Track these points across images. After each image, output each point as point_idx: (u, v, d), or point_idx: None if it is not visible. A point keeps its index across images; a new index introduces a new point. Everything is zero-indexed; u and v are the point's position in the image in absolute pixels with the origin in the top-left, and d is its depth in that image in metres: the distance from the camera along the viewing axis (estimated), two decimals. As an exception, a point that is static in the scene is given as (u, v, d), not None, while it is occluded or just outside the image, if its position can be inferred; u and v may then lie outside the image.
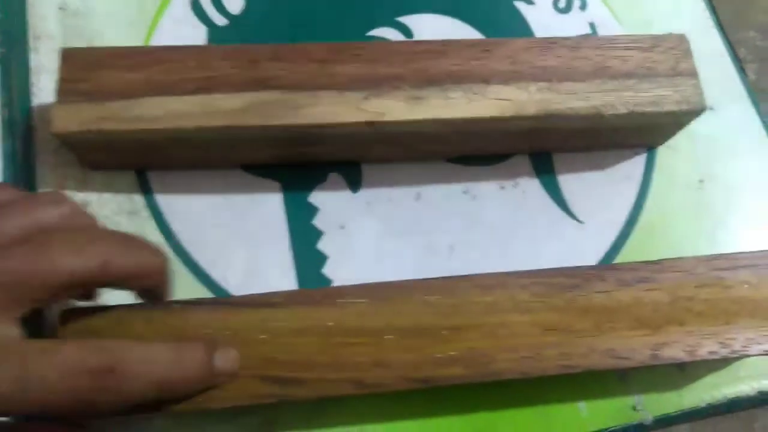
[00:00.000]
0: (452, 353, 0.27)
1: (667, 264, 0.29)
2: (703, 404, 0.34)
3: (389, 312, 0.27)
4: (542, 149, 0.38)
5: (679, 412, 0.34)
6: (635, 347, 0.28)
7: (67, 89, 0.31)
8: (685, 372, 0.34)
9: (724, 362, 0.34)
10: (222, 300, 0.29)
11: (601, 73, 0.34)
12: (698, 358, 0.28)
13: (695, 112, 0.35)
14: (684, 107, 0.34)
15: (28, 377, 0.19)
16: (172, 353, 0.23)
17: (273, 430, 0.31)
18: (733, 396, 0.34)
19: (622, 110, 0.33)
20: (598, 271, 0.29)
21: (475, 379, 0.27)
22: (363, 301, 0.28)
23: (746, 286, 0.29)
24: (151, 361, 0.22)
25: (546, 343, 0.27)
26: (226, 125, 0.31)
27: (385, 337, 0.27)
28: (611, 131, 0.36)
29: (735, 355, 0.28)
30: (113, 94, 0.31)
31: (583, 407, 0.33)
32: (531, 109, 0.33)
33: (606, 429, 0.33)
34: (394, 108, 0.32)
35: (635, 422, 0.33)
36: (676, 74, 0.34)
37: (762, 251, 0.30)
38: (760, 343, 0.28)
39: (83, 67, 0.31)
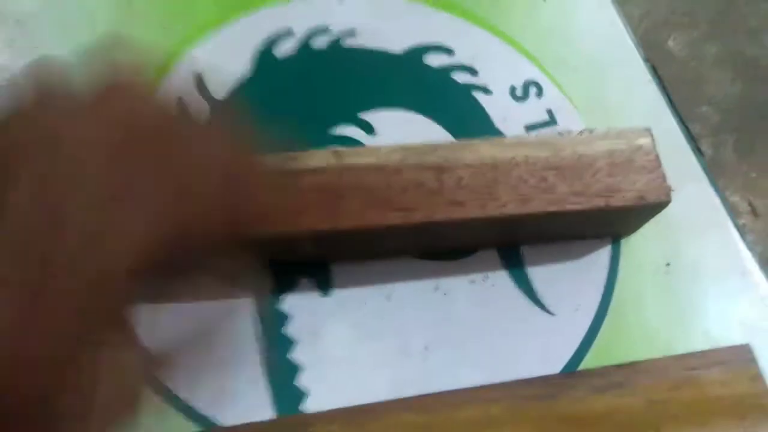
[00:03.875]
0: None
1: (639, 367, 0.29)
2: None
3: None
4: (509, 243, 0.39)
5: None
6: None
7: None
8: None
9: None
10: None
11: (564, 170, 0.35)
12: None
13: (661, 204, 0.35)
14: (650, 200, 0.35)
15: None
16: None
17: None
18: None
19: (588, 206, 0.34)
20: (569, 380, 0.29)
21: None
22: (334, 427, 0.27)
23: (719, 384, 0.29)
24: None
25: None
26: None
27: None
28: (578, 225, 0.36)
29: None
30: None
31: None
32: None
33: None
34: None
35: None
36: (642, 168, 0.35)
37: (731, 347, 0.30)
38: None
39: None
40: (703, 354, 0.30)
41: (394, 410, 0.28)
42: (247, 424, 0.28)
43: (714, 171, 0.43)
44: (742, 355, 0.30)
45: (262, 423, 0.28)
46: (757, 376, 0.30)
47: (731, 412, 0.29)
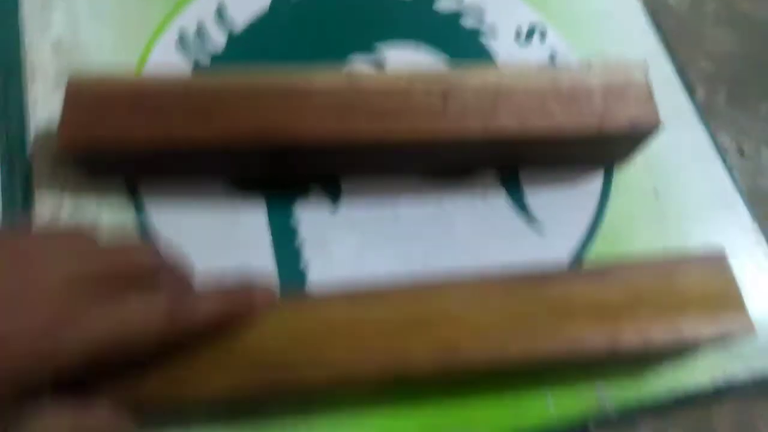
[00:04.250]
0: (424, 344, 0.29)
1: (622, 263, 0.32)
2: (662, 397, 0.36)
3: (365, 312, 0.30)
4: (509, 165, 0.41)
5: (639, 406, 0.36)
6: (593, 336, 0.30)
7: (73, 109, 0.34)
8: (644, 367, 0.36)
9: (679, 357, 0.36)
10: None
11: (562, 95, 0.37)
12: (651, 346, 0.30)
13: (651, 131, 0.38)
14: (641, 125, 0.37)
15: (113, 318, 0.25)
16: (222, 296, 0.29)
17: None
18: (691, 389, 0.37)
19: (583, 128, 0.36)
20: (558, 270, 0.32)
21: (445, 368, 0.29)
22: (342, 303, 0.30)
23: (694, 283, 0.32)
24: (210, 300, 0.28)
25: (510, 333, 0.30)
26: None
27: (363, 330, 0.29)
28: (573, 149, 0.39)
29: (683, 345, 0.30)
30: (115, 115, 0.34)
31: (550, 401, 0.35)
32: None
33: (572, 421, 0.35)
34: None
35: (600, 414, 0.35)
36: (635, 96, 0.38)
37: (709, 253, 0.33)
38: (705, 333, 0.31)
39: (87, 92, 0.34)
40: (682, 256, 0.33)
41: (394, 287, 0.31)
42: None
43: (706, 114, 0.46)
44: (719, 260, 0.33)
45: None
46: (730, 279, 0.32)
47: (703, 308, 0.31)
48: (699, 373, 0.37)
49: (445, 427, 0.34)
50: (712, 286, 0.32)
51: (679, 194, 0.42)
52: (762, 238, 0.41)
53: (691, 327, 0.31)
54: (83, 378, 0.25)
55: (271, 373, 0.28)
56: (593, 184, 0.42)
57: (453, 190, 0.40)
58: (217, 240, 0.38)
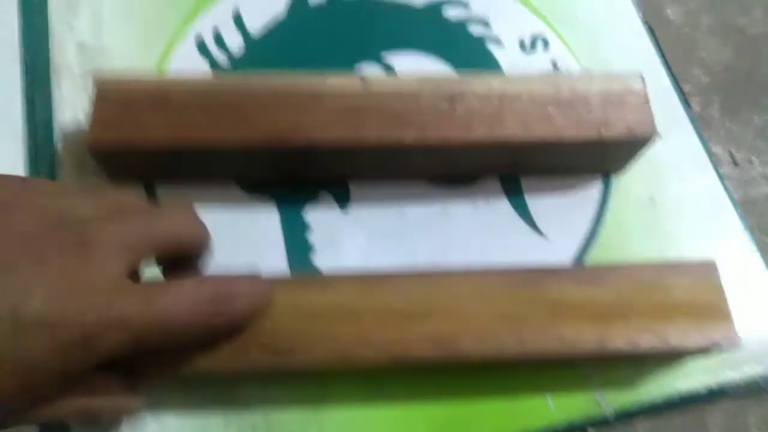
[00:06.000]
0: (424, 335, 0.31)
1: (615, 269, 0.34)
2: (658, 400, 0.38)
3: (371, 297, 0.32)
4: (511, 171, 0.43)
5: (637, 407, 0.38)
6: (583, 337, 0.32)
7: (102, 110, 0.35)
8: (640, 370, 0.38)
9: (670, 361, 0.38)
10: None
11: (562, 104, 0.39)
12: (638, 350, 0.32)
13: (647, 139, 0.39)
14: (638, 133, 0.39)
15: (154, 308, 0.24)
16: (262, 286, 0.31)
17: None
18: (685, 392, 0.38)
19: (583, 135, 0.38)
20: (554, 271, 0.33)
21: (443, 358, 0.31)
22: (350, 286, 0.32)
23: (683, 290, 0.33)
24: (252, 293, 0.29)
25: (505, 329, 0.32)
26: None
27: (366, 318, 0.32)
28: (573, 157, 0.41)
29: (670, 349, 0.32)
30: (140, 115, 0.36)
31: (550, 402, 0.37)
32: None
33: (572, 422, 0.37)
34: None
35: (599, 416, 0.37)
36: (632, 105, 0.39)
37: (699, 262, 0.35)
38: (692, 339, 0.32)
39: (115, 93, 0.36)
40: (673, 264, 0.34)
41: (398, 280, 0.33)
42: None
43: (701, 125, 0.47)
44: (708, 270, 0.35)
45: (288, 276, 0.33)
46: (718, 288, 0.34)
47: (690, 315, 0.33)
48: (693, 378, 0.39)
49: (449, 427, 0.36)
50: (700, 295, 0.33)
51: (673, 202, 0.44)
52: (753, 246, 0.43)
53: (678, 335, 0.32)
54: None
55: (272, 352, 0.31)
56: (592, 192, 0.43)
57: (457, 196, 0.42)
58: (231, 241, 0.39)
